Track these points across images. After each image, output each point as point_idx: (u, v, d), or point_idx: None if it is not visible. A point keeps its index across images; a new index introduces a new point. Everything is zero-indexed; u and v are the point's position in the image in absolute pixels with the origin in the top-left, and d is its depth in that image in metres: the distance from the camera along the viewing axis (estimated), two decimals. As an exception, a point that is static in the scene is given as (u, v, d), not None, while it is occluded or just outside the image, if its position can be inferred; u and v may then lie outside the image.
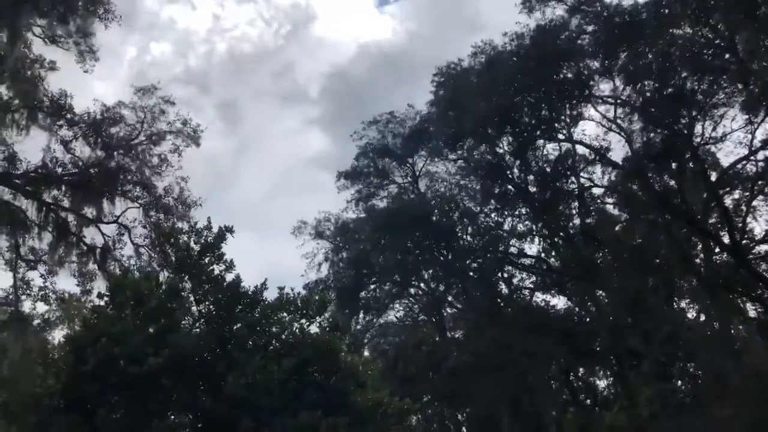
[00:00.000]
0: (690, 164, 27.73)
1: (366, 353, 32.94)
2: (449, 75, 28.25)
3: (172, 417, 13.84)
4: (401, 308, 33.48)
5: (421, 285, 31.96)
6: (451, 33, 68.62)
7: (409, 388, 28.91)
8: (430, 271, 30.80)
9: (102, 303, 15.54)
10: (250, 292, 15.89)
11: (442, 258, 29.81)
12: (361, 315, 30.98)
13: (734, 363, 22.09)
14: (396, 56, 76.76)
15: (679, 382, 26.37)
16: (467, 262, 30.25)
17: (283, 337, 15.62)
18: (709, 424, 20.83)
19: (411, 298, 32.92)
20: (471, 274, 30.52)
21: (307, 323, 15.91)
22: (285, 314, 15.85)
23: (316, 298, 16.52)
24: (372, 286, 30.58)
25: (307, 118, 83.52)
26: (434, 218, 29.26)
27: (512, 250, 30.59)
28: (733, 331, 26.22)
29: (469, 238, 29.67)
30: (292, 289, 16.07)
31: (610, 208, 30.79)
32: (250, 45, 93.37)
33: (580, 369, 31.75)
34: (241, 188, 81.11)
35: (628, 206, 29.75)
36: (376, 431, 15.96)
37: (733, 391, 21.12)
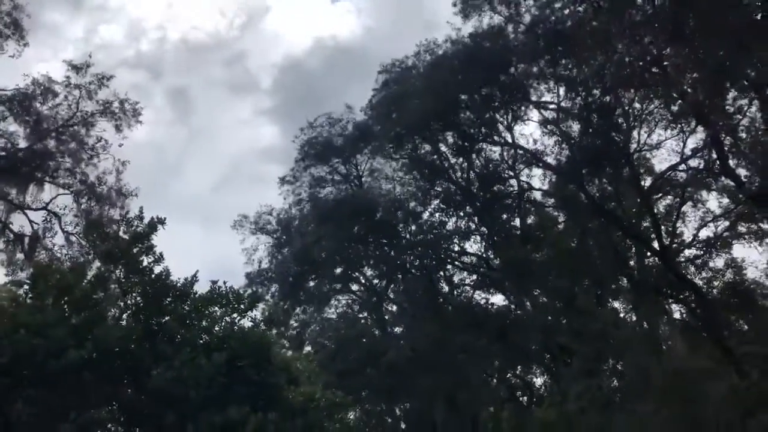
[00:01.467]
0: (625, 170, 28.74)
1: (307, 348, 32.91)
2: (393, 73, 28.38)
3: (92, 411, 13.41)
4: (342, 304, 33.52)
5: (362, 280, 32.06)
6: (407, 29, 68.85)
7: (348, 383, 29.05)
8: (372, 267, 30.91)
9: (21, 292, 14.97)
10: (179, 285, 15.59)
11: (384, 254, 29.97)
12: (302, 309, 30.81)
13: (658, 361, 22.99)
14: (351, 50, 76.55)
15: (609, 379, 27.34)
16: (409, 259, 30.49)
17: (214, 331, 15.39)
18: (632, 419, 21.64)
19: (352, 294, 32.99)
20: (413, 271, 30.79)
21: (239, 317, 15.73)
22: (216, 308, 15.63)
23: (249, 291, 16.34)
24: (313, 281, 30.47)
25: (259, 109, 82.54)
26: (377, 215, 29.36)
27: (454, 248, 31.00)
28: (659, 332, 27.28)
29: (410, 236, 29.89)
30: (225, 283, 15.86)
31: (548, 210, 31.65)
32: (204, 34, 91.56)
33: (518, 366, 32.43)
34: (189, 179, 79.62)
35: (565, 209, 30.63)
36: (307, 426, 15.96)
37: (656, 388, 22.03)
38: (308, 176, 31.23)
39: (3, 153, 22.58)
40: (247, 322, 15.85)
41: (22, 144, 22.72)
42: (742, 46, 21.60)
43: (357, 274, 31.39)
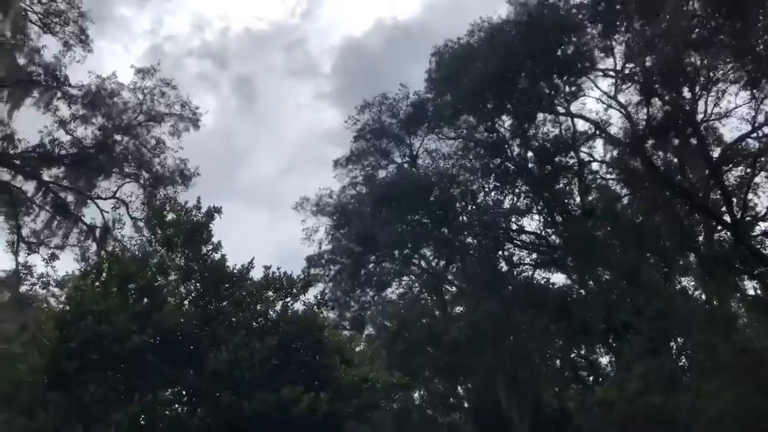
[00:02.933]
0: (692, 140, 27.43)
1: (368, 329, 33.42)
2: (447, 54, 28.01)
3: (154, 393, 14.18)
4: (402, 285, 33.64)
5: (422, 262, 32.09)
6: (470, 3, 67.28)
7: (410, 363, 29.37)
8: (431, 248, 30.87)
9: (88, 281, 15.91)
10: (236, 271, 16.19)
11: (442, 234, 29.87)
12: (362, 290, 31.17)
13: (727, 339, 22.04)
14: (412, 29, 75.73)
15: (676, 357, 26.48)
16: (467, 239, 30.28)
17: (269, 315, 15.91)
18: (698, 398, 20.93)
19: (412, 275, 33.07)
20: (471, 251, 30.58)
21: (292, 301, 16.18)
22: (270, 293, 16.13)
23: (302, 276, 16.76)
24: (373, 263, 30.74)
25: (321, 93, 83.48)
26: (434, 195, 29.21)
27: (512, 226, 30.55)
28: (731, 308, 26.11)
29: (467, 215, 29.65)
30: (278, 269, 16.35)
31: (610, 184, 30.68)
32: (266, 23, 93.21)
33: (581, 345, 31.81)
34: (256, 165, 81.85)
35: (629, 182, 29.60)
36: (363, 406, 16.33)
37: (724, 366, 21.20)
38: (363, 158, 31.33)
39: (74, 149, 23.95)
40: (300, 305, 16.31)
41: (90, 140, 23.98)
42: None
43: (416, 255, 31.44)
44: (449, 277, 32.52)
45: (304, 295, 16.40)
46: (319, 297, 17.17)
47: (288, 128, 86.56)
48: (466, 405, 33.54)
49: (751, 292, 27.01)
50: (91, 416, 14.19)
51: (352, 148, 31.26)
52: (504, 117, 29.09)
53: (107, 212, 24.19)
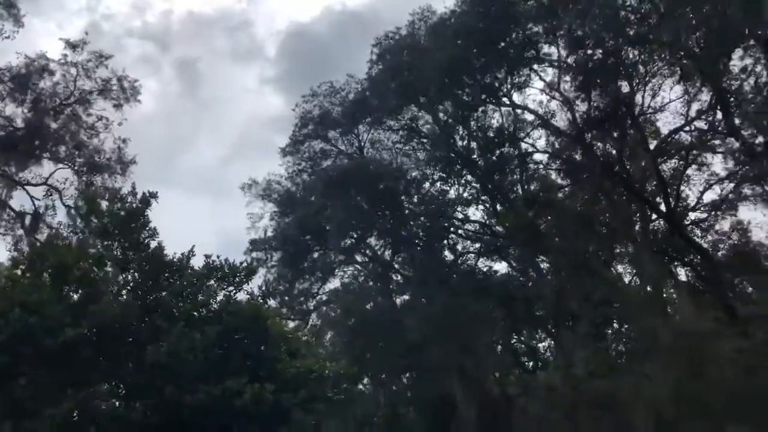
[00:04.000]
0: (630, 132, 28.23)
1: (312, 318, 33.13)
2: (389, 44, 27.88)
3: (90, 387, 13.54)
4: (348, 274, 33.50)
5: (368, 252, 32.01)
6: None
7: (357, 353, 29.30)
8: (377, 237, 30.84)
9: (18, 271, 15.04)
10: (176, 260, 15.61)
11: (388, 224, 29.86)
12: (306, 279, 30.88)
13: (664, 324, 22.88)
14: (361, 15, 74.84)
15: (615, 342, 27.35)
16: (413, 228, 30.37)
17: (210, 305, 15.43)
18: (639, 381, 21.66)
19: (357, 265, 33.00)
20: (417, 240, 30.70)
21: (235, 291, 15.76)
22: (212, 282, 15.65)
23: (244, 265, 16.31)
24: (318, 251, 30.47)
25: (265, 78, 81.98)
26: (380, 184, 29.12)
27: (457, 216, 30.86)
28: (665, 294, 27.13)
29: (413, 206, 29.72)
30: (219, 257, 15.86)
31: (552, 174, 31.33)
32: (210, 7, 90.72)
33: (522, 332, 32.48)
34: (198, 150, 79.79)
35: (570, 173, 30.28)
36: (309, 397, 16.09)
37: (663, 350, 22.01)
38: (308, 147, 30.96)
39: (1, 132, 22.59)
40: (243, 295, 15.89)
41: (20, 122, 22.70)
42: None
43: (362, 244, 31.34)
44: (395, 266, 32.56)
45: (248, 284, 16.01)
46: (263, 286, 16.80)
47: (232, 113, 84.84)
48: (409, 394, 33.71)
49: (683, 278, 28.24)
50: (22, 411, 13.42)
51: (298, 136, 30.80)
52: (448, 108, 29.24)
53: (38, 199, 22.97)
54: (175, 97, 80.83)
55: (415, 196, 29.94)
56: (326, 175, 28.58)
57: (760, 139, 24.24)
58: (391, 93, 27.79)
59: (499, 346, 33.07)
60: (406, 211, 29.59)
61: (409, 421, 31.78)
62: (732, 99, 24.23)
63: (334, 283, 32.59)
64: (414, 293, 30.63)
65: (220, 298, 15.73)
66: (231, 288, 15.76)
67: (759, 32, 22.32)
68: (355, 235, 29.56)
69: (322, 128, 30.64)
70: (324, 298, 32.72)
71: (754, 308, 25.14)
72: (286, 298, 30.39)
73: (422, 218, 29.93)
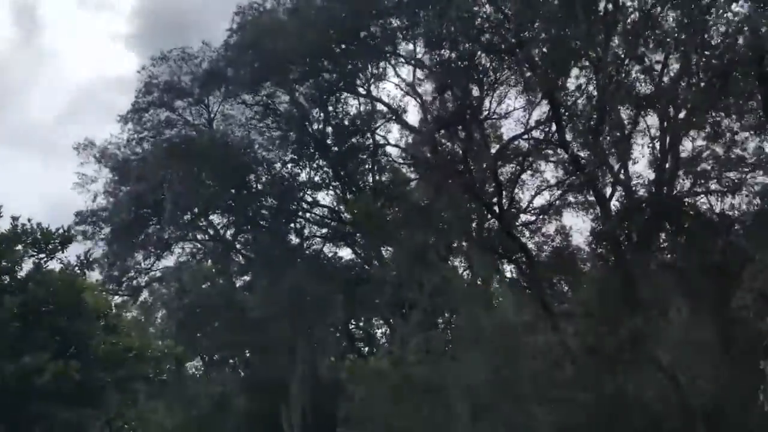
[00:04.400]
0: (476, 135, 29.81)
1: (144, 295, 31.44)
2: (250, 16, 27.06)
3: None
4: (185, 252, 32.05)
5: (209, 230, 30.96)
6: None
7: (189, 332, 28.29)
8: (220, 214, 29.92)
9: None
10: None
11: (233, 202, 29.06)
12: (140, 254, 29.19)
13: (487, 316, 24.51)
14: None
15: (444, 332, 28.86)
16: (260, 209, 29.86)
17: (15, 272, 13.99)
18: (460, 368, 23.04)
19: (197, 242, 31.76)
20: (262, 222, 30.22)
21: (47, 259, 14.42)
22: (19, 247, 14.19)
23: (60, 231, 14.95)
24: (154, 224, 28.84)
25: (116, 34, 75.93)
26: (229, 160, 28.20)
27: (306, 199, 30.81)
28: (491, 289, 29.08)
29: (262, 185, 29.20)
30: (29, 220, 14.39)
31: (403, 167, 32.30)
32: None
33: (361, 318, 33.24)
34: (31, 107, 72.17)
35: (418, 168, 31.41)
36: (126, 376, 15.24)
37: (484, 340, 23.63)
38: (153, 115, 29.11)
39: None
40: (57, 264, 14.59)
41: None
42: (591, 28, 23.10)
43: (204, 220, 30.24)
44: (237, 246, 31.81)
45: (63, 252, 14.69)
46: (82, 257, 15.54)
47: (74, 69, 77.73)
48: (242, 375, 33.23)
49: (508, 274, 30.47)
50: None
51: (141, 103, 28.80)
52: (306, 90, 29.04)
53: None
54: (8, 44, 72.49)
55: (265, 176, 29.43)
56: (169, 143, 27.09)
57: (585, 153, 26.78)
58: (249, 67, 27.02)
59: (338, 332, 33.63)
60: (254, 190, 28.98)
61: (239, 404, 31.33)
62: (565, 113, 26.45)
63: (170, 260, 31.09)
64: (255, 274, 30.13)
65: (28, 266, 14.32)
66: (42, 256, 14.40)
67: (593, 54, 24.57)
68: (196, 211, 28.41)
69: (169, 96, 28.93)
70: (158, 275, 31.11)
71: (566, 306, 27.79)
72: (115, 272, 28.49)
73: (270, 199, 29.51)
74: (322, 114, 29.73)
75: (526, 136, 30.25)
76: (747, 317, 16.03)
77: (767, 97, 18.54)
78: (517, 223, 32.05)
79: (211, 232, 31.07)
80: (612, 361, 20.96)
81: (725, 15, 21.03)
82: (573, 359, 22.56)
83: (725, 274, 20.52)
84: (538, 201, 32.43)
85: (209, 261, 31.73)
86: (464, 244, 30.19)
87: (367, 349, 34.16)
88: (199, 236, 31.25)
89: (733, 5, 19.50)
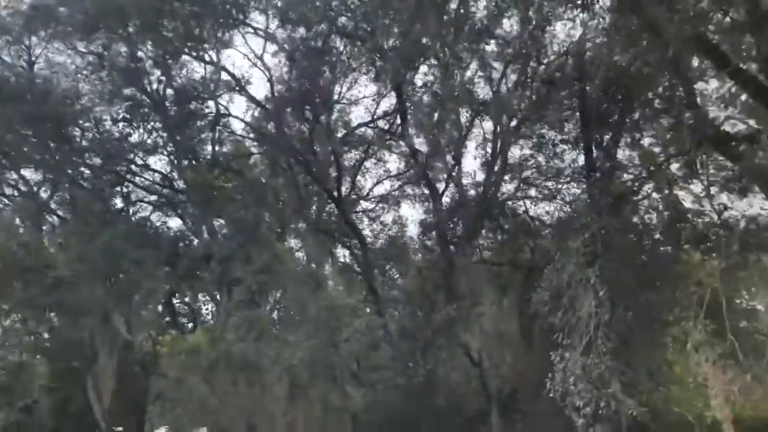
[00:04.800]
0: (323, 118, 29.71)
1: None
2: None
3: None
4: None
5: (20, 185, 27.94)
6: None
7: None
8: (35, 168, 27.08)
9: None
10: None
11: (51, 156, 26.41)
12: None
13: (315, 297, 24.68)
14: None
15: (271, 310, 28.62)
16: (82, 167, 27.52)
17: None
18: (282, 347, 23.02)
19: (5, 198, 28.50)
20: (84, 181, 27.90)
21: None
22: None
23: None
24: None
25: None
26: (50, 112, 25.49)
27: (137, 162, 28.94)
28: (324, 272, 29.35)
29: (86, 143, 26.89)
30: None
31: (245, 141, 31.46)
32: None
33: (187, 292, 31.98)
34: None
35: (261, 143, 30.77)
36: None
37: (310, 320, 23.87)
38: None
39: None
40: None
41: None
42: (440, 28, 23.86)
43: (15, 174, 27.25)
44: (53, 206, 29.05)
45: None
46: None
47: None
48: (46, 336, 30.51)
49: (342, 259, 30.99)
50: None
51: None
52: (149, 47, 27.17)
53: None
54: None
55: (92, 132, 27.14)
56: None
57: (424, 148, 27.83)
58: (83, 11, 24.62)
59: (161, 305, 32.08)
60: (77, 146, 26.61)
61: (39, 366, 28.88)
62: (410, 108, 27.26)
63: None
64: (70, 235, 27.70)
65: None
66: None
67: (441, 54, 25.46)
68: (4, 163, 25.51)
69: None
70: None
71: (394, 293, 28.83)
72: None
73: (96, 157, 27.29)
74: (163, 75, 27.99)
75: (372, 125, 30.86)
76: (544, 312, 17.49)
77: (584, 113, 20.24)
78: (356, 210, 32.66)
79: (23, 188, 28.07)
80: (425, 346, 22.05)
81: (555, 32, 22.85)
82: (391, 342, 23.44)
83: (531, 272, 22.39)
84: (380, 190, 33.32)
85: (17, 220, 28.58)
86: (301, 225, 30.15)
87: (191, 325, 32.99)
88: (8, 192, 28.08)
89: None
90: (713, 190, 14.90)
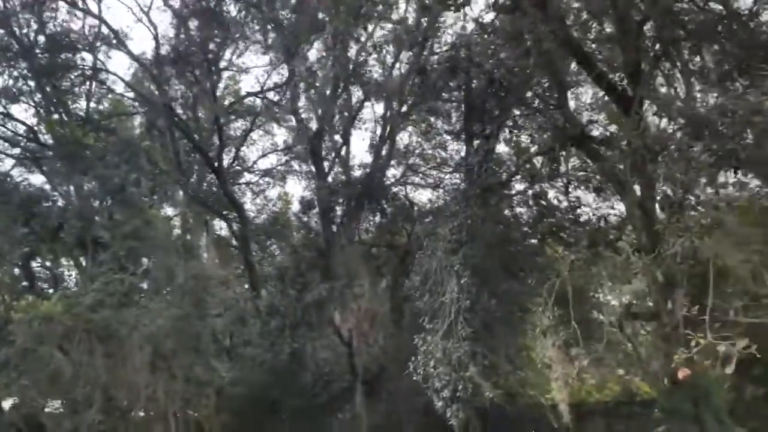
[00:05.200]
0: (208, 82, 28.40)
1: None
2: None
3: None
4: None
5: None
6: None
7: None
8: None
9: None
10: None
11: None
12: None
13: (184, 267, 23.71)
14: None
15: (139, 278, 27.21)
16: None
17: None
18: (142, 314, 21.93)
19: None
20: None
21: None
22: None
23: None
24: None
25: None
26: None
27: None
28: (199, 242, 28.37)
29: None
30: None
31: (124, 98, 29.64)
32: None
33: (48, 256, 29.70)
34: None
35: (140, 103, 29.12)
36: None
37: (175, 289, 22.99)
38: None
39: None
40: None
41: None
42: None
43: None
44: None
45: None
46: None
47: None
48: None
49: (219, 231, 30.16)
50: None
51: None
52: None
53: None
54: None
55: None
56: None
57: (313, 125, 27.45)
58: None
59: (17, 268, 29.57)
60: None
61: None
62: (302, 82, 26.72)
63: None
64: None
65: None
66: None
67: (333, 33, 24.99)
68: None
69: None
70: None
71: (270, 269, 28.35)
72: None
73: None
74: (35, 18, 25.68)
75: (261, 95, 30.03)
76: (415, 296, 17.93)
77: (468, 105, 20.73)
78: (239, 182, 31.78)
79: None
80: (295, 323, 21.93)
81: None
82: (260, 318, 23.10)
83: (406, 256, 22.83)
84: (266, 163, 32.56)
85: None
86: (178, 193, 28.92)
87: (52, 291, 30.67)
88: None
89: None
90: (571, 187, 15.82)
